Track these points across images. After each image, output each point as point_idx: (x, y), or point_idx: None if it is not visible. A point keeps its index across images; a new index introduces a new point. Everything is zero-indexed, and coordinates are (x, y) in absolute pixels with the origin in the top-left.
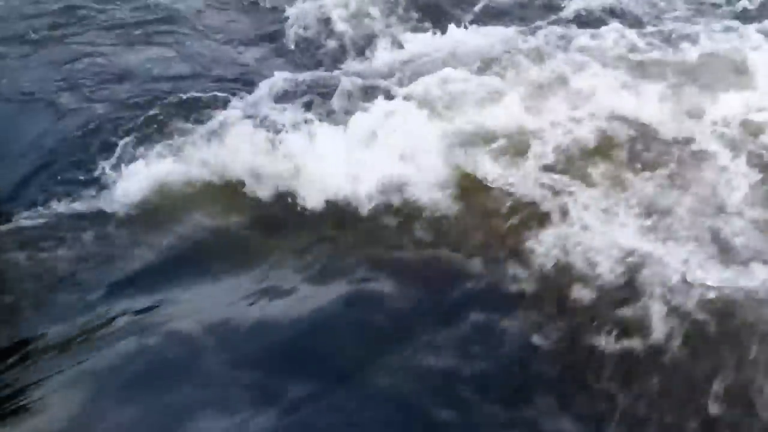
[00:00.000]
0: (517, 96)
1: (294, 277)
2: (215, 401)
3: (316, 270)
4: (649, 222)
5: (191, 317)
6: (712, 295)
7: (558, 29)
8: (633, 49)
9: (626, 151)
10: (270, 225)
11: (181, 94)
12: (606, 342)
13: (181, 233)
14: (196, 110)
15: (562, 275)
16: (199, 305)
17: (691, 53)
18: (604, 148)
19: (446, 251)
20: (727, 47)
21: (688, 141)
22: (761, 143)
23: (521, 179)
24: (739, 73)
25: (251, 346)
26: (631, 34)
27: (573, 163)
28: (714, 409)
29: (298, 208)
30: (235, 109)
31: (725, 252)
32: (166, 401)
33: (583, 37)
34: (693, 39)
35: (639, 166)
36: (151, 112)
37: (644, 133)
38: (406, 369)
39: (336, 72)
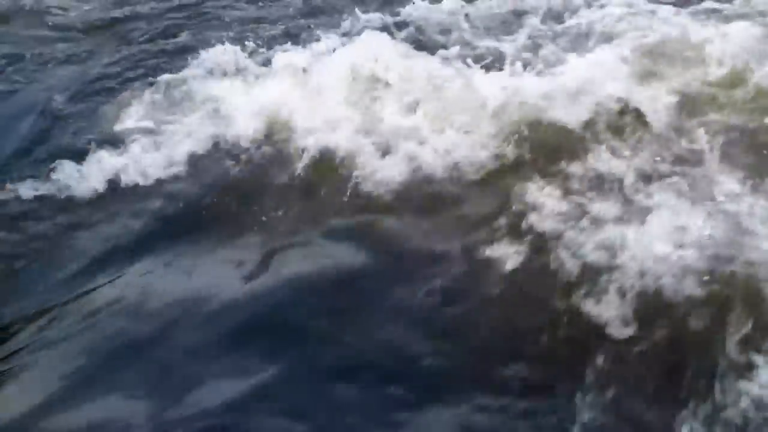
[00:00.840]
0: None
1: (264, 249)
2: (188, 375)
3: (287, 242)
4: (615, 207)
5: (162, 293)
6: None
7: None
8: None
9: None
10: (237, 197)
11: (144, 69)
12: (571, 326)
13: (152, 209)
14: (160, 88)
15: (530, 256)
16: (169, 280)
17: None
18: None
19: (420, 221)
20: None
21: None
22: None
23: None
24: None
25: (224, 320)
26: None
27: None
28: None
29: (266, 180)
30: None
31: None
32: (140, 378)
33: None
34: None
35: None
36: (121, 89)
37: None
38: (374, 340)
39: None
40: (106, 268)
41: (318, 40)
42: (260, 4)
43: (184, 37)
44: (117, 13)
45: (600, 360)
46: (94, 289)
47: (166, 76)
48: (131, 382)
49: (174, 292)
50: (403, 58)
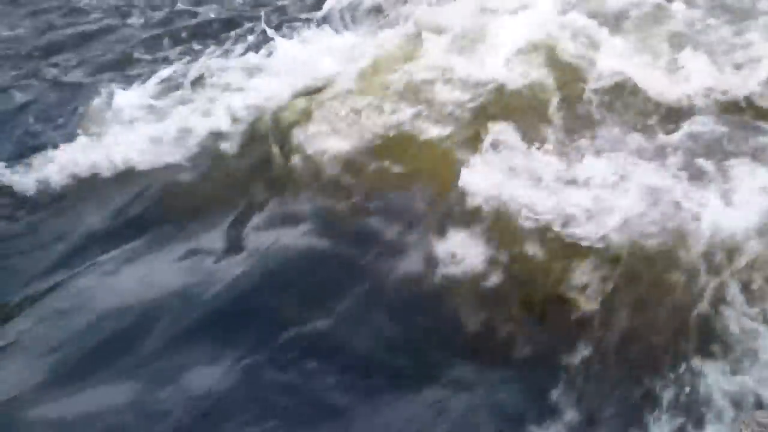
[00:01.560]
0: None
1: (230, 241)
2: (161, 368)
3: (259, 226)
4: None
5: (127, 288)
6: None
7: None
8: None
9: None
10: (202, 190)
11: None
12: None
13: (115, 205)
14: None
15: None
16: (134, 275)
17: None
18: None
19: (396, 203)
20: None
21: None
22: None
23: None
24: None
25: (193, 311)
26: None
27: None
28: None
29: (229, 173)
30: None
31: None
32: (114, 373)
33: None
34: None
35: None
36: (91, 80)
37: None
38: (342, 327)
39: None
40: (70, 264)
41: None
42: None
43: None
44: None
45: (563, 346)
46: (57, 286)
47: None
48: (103, 377)
49: (138, 286)
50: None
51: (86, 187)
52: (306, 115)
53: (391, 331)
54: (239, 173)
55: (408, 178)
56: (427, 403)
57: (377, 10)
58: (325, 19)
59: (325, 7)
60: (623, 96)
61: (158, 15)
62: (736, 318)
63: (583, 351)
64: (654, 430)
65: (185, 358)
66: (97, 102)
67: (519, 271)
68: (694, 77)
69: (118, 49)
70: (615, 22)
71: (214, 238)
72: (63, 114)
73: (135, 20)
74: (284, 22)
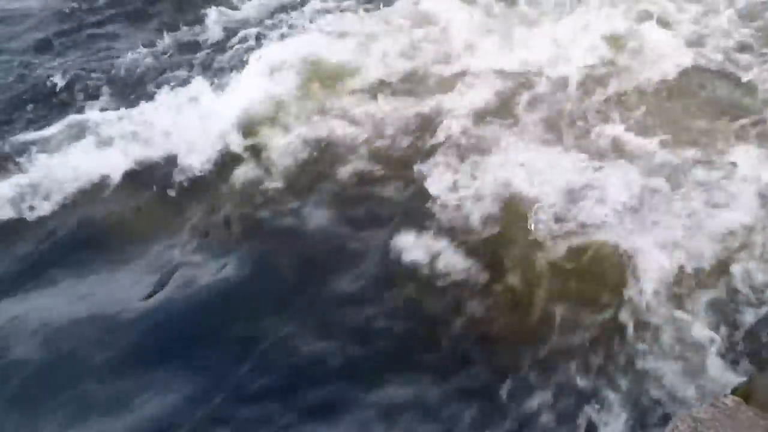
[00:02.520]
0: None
1: (173, 261)
2: (107, 394)
3: (194, 253)
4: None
5: (67, 314)
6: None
7: None
8: None
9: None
10: (145, 213)
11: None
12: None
13: (55, 232)
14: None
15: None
16: (74, 301)
17: None
18: None
19: (335, 215)
20: None
21: None
22: None
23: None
24: None
25: (140, 333)
26: None
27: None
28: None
29: (172, 194)
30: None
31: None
32: (59, 401)
33: None
34: None
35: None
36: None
37: None
38: (292, 340)
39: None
40: (13, 291)
41: None
42: None
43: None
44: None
45: (524, 343)
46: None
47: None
48: (48, 406)
49: (79, 312)
50: None
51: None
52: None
53: (335, 348)
54: (195, 193)
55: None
56: (381, 403)
57: None
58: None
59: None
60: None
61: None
62: (668, 320)
63: (530, 352)
64: (594, 428)
65: (131, 384)
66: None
67: (481, 266)
68: None
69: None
70: None
71: (154, 263)
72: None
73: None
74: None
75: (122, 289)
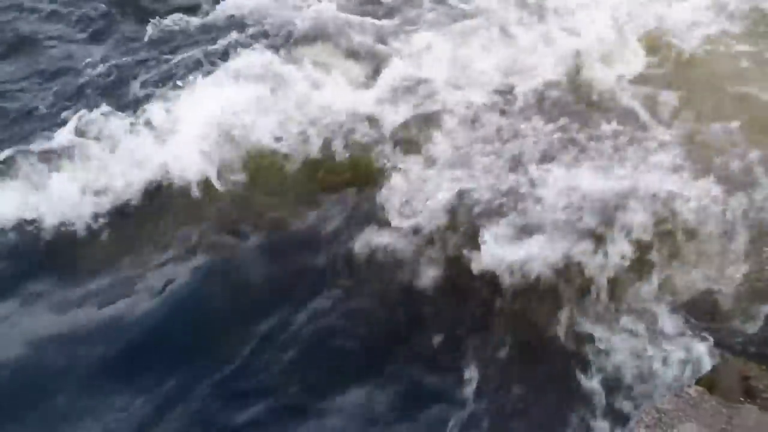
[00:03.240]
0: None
1: (133, 275)
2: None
3: (157, 267)
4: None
5: (30, 327)
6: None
7: None
8: None
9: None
10: (106, 227)
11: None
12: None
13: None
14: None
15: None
16: (34, 316)
17: None
18: None
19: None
20: None
21: None
22: None
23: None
24: None
25: (103, 346)
26: None
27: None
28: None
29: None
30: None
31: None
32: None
33: None
34: None
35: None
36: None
37: None
38: (254, 350)
39: None
40: None
41: None
42: None
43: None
44: None
45: (479, 346)
46: None
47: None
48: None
49: (41, 326)
50: None
51: None
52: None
53: (299, 358)
54: (156, 211)
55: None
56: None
57: None
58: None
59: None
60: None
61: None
62: (630, 317)
63: (492, 348)
64: (562, 423)
65: (100, 397)
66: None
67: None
68: None
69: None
70: None
71: (117, 277)
72: None
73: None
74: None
75: (82, 308)
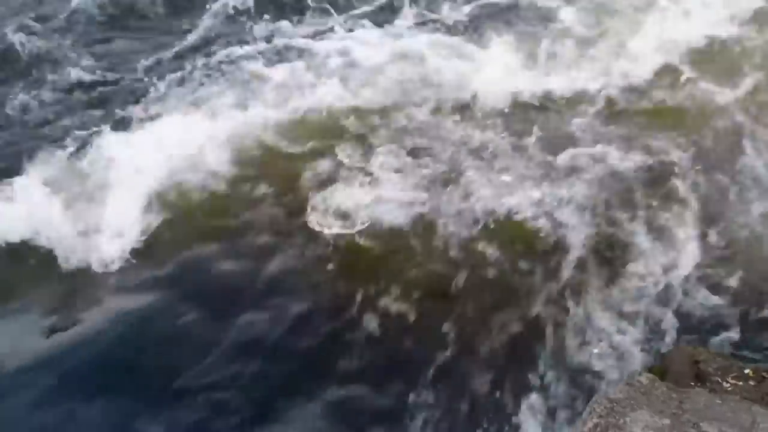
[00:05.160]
0: None
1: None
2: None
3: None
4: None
5: None
6: None
7: None
8: None
9: None
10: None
11: None
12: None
13: None
14: None
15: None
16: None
17: None
18: None
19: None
20: None
21: None
22: None
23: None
24: None
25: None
26: None
27: None
28: None
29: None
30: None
31: None
32: None
33: None
34: None
35: None
36: None
37: None
38: (198, 366)
39: None
40: None
41: None
42: None
43: None
44: None
45: (432, 353)
46: None
47: None
48: None
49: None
50: None
51: None
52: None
53: (242, 373)
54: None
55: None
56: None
57: None
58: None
59: None
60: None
61: None
62: (581, 311)
63: (446, 349)
64: (514, 417)
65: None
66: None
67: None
68: None
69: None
70: None
71: (54, 303)
72: None
73: None
74: None
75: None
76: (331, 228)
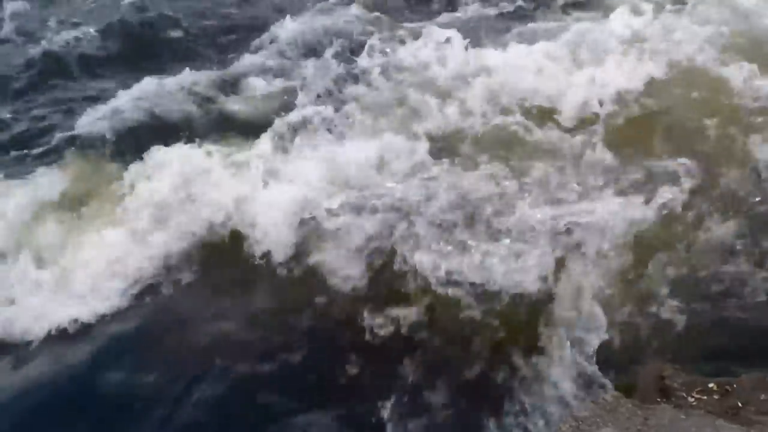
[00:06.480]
0: None
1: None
2: None
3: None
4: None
5: None
6: None
7: None
8: None
9: None
10: None
11: None
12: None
13: None
14: None
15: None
16: None
17: None
18: None
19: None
20: None
21: None
22: None
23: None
24: None
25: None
26: None
27: None
28: None
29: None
30: None
31: None
32: None
33: None
34: None
35: None
36: None
37: None
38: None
39: None
40: None
41: None
42: None
43: None
44: None
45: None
46: None
47: None
48: None
49: None
50: None
51: None
52: None
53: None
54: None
55: None
56: None
57: None
58: None
59: None
60: None
61: None
62: (544, 333)
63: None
64: None
65: None
66: None
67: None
68: None
69: None
70: None
71: None
72: None
73: None
74: None
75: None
76: None
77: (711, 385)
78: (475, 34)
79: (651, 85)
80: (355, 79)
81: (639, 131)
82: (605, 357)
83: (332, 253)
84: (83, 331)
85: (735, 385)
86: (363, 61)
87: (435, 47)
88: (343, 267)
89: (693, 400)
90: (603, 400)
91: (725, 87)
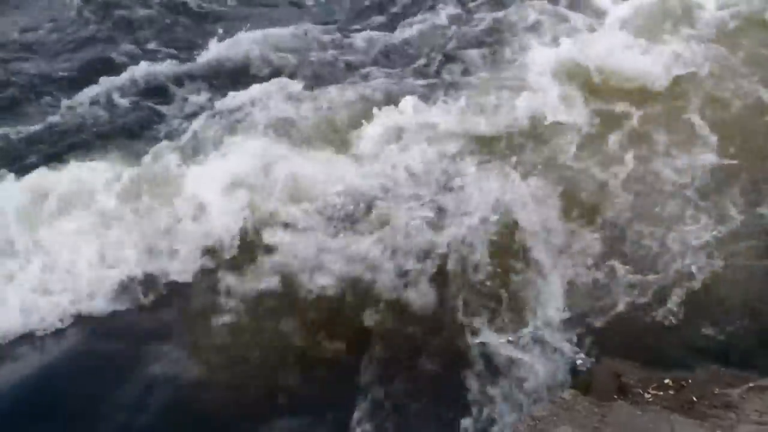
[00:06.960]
0: None
1: None
2: None
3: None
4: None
5: None
6: None
7: None
8: None
9: None
10: None
11: None
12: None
13: None
14: None
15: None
16: None
17: None
18: None
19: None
20: None
21: None
22: None
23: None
24: None
25: None
26: None
27: None
28: None
29: None
30: None
31: None
32: None
33: None
34: None
35: None
36: None
37: None
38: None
39: None
40: None
41: None
42: None
43: None
44: None
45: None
46: None
47: None
48: None
49: None
50: None
51: None
52: None
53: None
54: None
55: None
56: None
57: None
58: None
59: None
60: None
61: None
62: (501, 333)
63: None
64: None
65: None
66: None
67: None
68: None
69: None
70: None
71: None
72: None
73: None
74: None
75: None
76: None
77: (667, 380)
78: None
79: None
80: None
81: None
82: (562, 355)
83: (287, 258)
84: (51, 335)
85: (690, 380)
86: None
87: None
88: (298, 273)
89: (649, 396)
90: (560, 399)
91: None
